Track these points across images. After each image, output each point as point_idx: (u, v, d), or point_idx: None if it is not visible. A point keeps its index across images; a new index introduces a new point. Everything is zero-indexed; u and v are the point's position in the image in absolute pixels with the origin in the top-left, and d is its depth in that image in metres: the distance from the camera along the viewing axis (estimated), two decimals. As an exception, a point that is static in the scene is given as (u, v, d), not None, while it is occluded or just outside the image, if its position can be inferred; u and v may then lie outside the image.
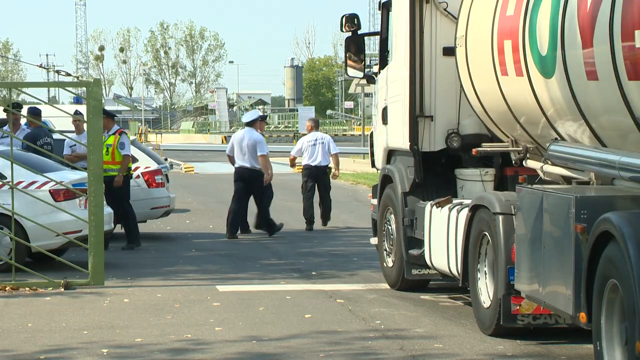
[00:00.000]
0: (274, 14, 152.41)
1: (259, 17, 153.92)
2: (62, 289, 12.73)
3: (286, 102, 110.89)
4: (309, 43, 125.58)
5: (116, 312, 11.43)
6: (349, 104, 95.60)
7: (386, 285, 13.03)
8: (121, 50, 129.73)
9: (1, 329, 10.51)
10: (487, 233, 10.63)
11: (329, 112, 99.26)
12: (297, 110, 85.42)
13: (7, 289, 12.66)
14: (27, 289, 12.74)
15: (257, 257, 15.99)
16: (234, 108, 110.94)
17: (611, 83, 7.99)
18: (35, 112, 16.90)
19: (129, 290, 12.90)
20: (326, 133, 27.88)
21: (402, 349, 9.44)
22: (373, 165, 14.74)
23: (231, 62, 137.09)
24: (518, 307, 10.05)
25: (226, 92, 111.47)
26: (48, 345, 9.70)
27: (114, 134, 16.73)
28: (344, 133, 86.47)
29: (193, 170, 42.54)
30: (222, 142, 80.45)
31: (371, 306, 11.61)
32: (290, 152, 24.50)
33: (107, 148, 16.29)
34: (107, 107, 21.05)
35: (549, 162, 10.06)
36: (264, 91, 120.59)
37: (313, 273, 14.19)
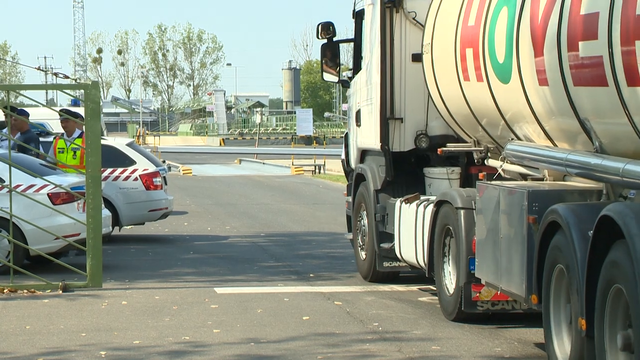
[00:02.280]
0: (272, 17, 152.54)
1: (257, 20, 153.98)
2: (60, 292, 12.74)
3: (284, 104, 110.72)
4: (307, 45, 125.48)
5: (114, 315, 11.40)
6: (346, 106, 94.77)
7: (385, 287, 13.12)
8: (119, 52, 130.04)
9: (0, 330, 10.50)
10: (450, 226, 11.09)
11: (326, 114, 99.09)
12: (294, 113, 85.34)
13: (5, 291, 12.65)
14: (26, 291, 12.72)
15: (254, 259, 16.07)
16: (232, 110, 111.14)
17: (559, 88, 8.46)
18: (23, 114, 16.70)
19: (127, 292, 12.85)
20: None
21: (400, 351, 9.47)
22: (347, 164, 15.12)
23: (229, 64, 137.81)
24: (478, 294, 10.60)
25: (224, 94, 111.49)
26: (46, 348, 9.67)
27: (79, 136, 16.41)
28: (342, 135, 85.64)
29: (191, 173, 42.92)
30: (220, 144, 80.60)
31: (369, 308, 11.67)
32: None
33: (75, 152, 16.26)
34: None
35: (508, 161, 10.43)
36: (262, 93, 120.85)
37: (311, 275, 14.26)
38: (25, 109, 20.26)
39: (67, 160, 16.13)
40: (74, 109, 19.74)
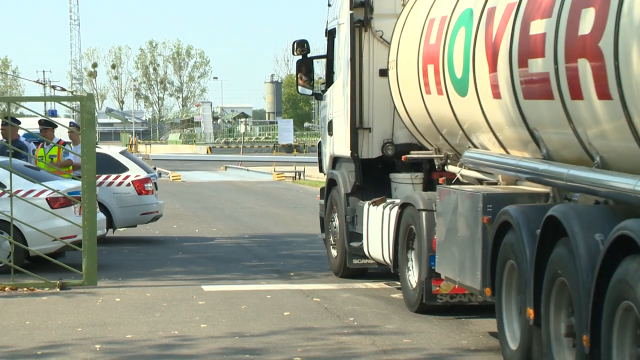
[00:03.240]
0: (257, 33, 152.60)
1: (242, 36, 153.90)
2: (58, 289, 12.69)
3: (266, 115, 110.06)
4: (288, 60, 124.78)
5: (108, 311, 11.36)
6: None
7: (360, 284, 13.11)
8: (113, 67, 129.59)
9: (1, 326, 10.48)
10: (413, 227, 11.16)
11: (306, 124, 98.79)
12: (276, 123, 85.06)
13: (6, 289, 12.63)
14: (25, 289, 12.70)
15: (239, 259, 16.01)
16: (218, 121, 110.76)
17: (511, 101, 8.63)
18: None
19: (120, 290, 12.82)
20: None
21: (374, 344, 9.47)
22: (321, 170, 15.22)
23: (215, 78, 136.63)
24: (438, 288, 10.73)
25: (211, 105, 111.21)
26: (45, 342, 9.63)
27: (56, 144, 16.50)
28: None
29: (180, 179, 42.44)
30: (207, 152, 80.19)
31: (345, 304, 11.64)
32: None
33: (52, 159, 16.24)
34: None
35: (465, 167, 10.50)
36: (246, 105, 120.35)
37: (291, 274, 14.25)
38: (23, 119, 20.17)
39: (45, 166, 15.99)
40: (52, 119, 19.67)
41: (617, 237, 6.41)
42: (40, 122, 17.25)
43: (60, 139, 17.17)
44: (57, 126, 17.15)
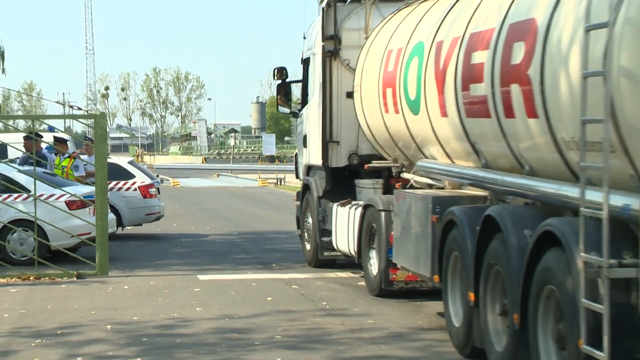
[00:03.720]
0: (245, 60, 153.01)
1: (232, 63, 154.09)
2: (75, 278, 12.70)
3: (253, 130, 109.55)
4: (271, 84, 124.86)
5: (118, 297, 11.35)
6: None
7: (331, 274, 13.03)
8: (122, 89, 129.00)
9: (27, 310, 10.51)
10: (374, 224, 11.20)
11: (286, 138, 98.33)
12: (261, 137, 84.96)
13: (31, 278, 12.66)
14: (47, 278, 12.70)
15: (229, 252, 15.92)
16: (212, 135, 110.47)
17: (456, 119, 8.68)
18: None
19: (128, 279, 12.75)
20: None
21: (343, 324, 9.46)
22: (297, 176, 15.14)
23: (209, 99, 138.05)
24: (394, 276, 10.77)
25: (205, 122, 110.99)
26: (63, 323, 9.64)
27: (68, 157, 16.40)
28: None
29: (179, 184, 42.10)
30: (202, 162, 79.91)
31: (319, 291, 11.60)
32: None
33: (62, 169, 16.08)
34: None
35: (418, 174, 10.50)
36: (236, 122, 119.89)
37: (273, 265, 14.16)
38: (42, 133, 19.96)
39: (61, 173, 15.95)
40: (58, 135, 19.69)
41: (542, 233, 6.52)
42: (54, 137, 17.24)
43: (74, 152, 17.07)
44: (69, 140, 17.15)
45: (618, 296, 5.65)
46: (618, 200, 5.80)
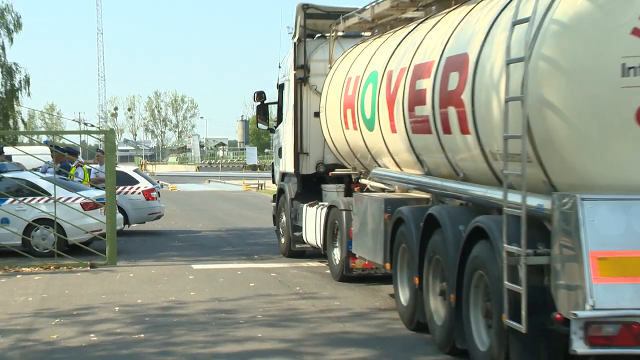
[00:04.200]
0: (231, 84, 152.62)
1: (221, 86, 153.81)
2: (89, 268, 12.65)
3: (238, 143, 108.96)
4: (252, 105, 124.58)
5: (124, 283, 11.33)
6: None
7: (304, 264, 12.97)
8: (129, 109, 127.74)
9: (48, 294, 10.47)
10: (337, 221, 11.26)
11: (266, 150, 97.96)
12: (245, 149, 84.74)
13: (51, 267, 12.60)
14: (65, 267, 12.63)
15: (218, 246, 15.84)
16: (203, 148, 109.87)
17: (404, 135, 8.72)
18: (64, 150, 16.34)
19: (133, 268, 12.73)
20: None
21: (314, 305, 9.47)
22: (274, 182, 15.06)
23: (201, 117, 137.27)
24: (354, 264, 10.82)
25: (198, 137, 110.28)
26: (79, 305, 9.67)
27: (75, 166, 16.33)
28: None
29: (176, 189, 41.66)
30: (196, 170, 79.23)
31: (293, 278, 11.57)
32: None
33: (70, 176, 15.96)
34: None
35: (373, 180, 10.54)
36: (224, 137, 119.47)
37: (255, 256, 14.08)
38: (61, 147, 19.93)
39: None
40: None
41: (473, 228, 6.57)
42: (67, 149, 17.06)
43: (79, 161, 16.88)
44: (79, 152, 17.12)
45: (533, 279, 5.72)
46: (533, 201, 5.86)
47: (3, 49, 44.34)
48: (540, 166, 5.89)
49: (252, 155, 56.79)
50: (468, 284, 6.71)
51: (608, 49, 5.51)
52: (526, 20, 5.81)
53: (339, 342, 7.65)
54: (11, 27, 44.53)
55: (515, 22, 5.96)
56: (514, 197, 5.96)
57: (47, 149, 17.15)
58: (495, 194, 6.55)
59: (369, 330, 8.19)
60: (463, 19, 7.68)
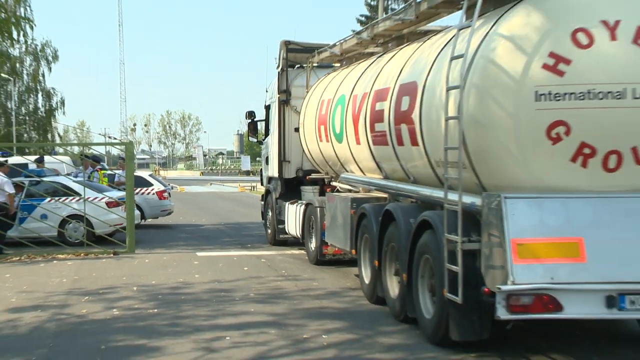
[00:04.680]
0: (230, 105, 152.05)
1: (222, 106, 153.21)
2: (112, 255, 12.56)
3: (235, 153, 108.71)
4: (246, 121, 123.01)
5: (141, 267, 11.26)
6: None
7: (289, 251, 12.77)
8: (145, 125, 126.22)
9: (78, 276, 10.38)
10: (312, 216, 11.20)
11: (258, 158, 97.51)
12: (240, 158, 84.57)
13: (81, 255, 12.54)
14: (93, 255, 12.57)
15: (218, 237, 15.72)
16: (206, 156, 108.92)
17: (367, 146, 8.69)
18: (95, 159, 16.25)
19: (148, 255, 12.68)
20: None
21: (296, 286, 9.40)
22: (262, 184, 14.91)
23: (205, 132, 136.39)
24: (326, 251, 10.80)
25: (202, 148, 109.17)
26: (104, 285, 9.60)
27: (93, 170, 15.89)
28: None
29: (184, 190, 41.16)
30: (200, 175, 78.44)
31: (280, 263, 11.44)
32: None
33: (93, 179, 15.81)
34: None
35: (341, 182, 10.46)
36: (223, 147, 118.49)
37: (249, 245, 13.92)
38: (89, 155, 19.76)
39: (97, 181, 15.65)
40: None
41: (421, 221, 6.60)
42: (93, 156, 16.78)
43: (98, 167, 16.42)
44: (101, 160, 17.16)
45: (467, 261, 5.78)
46: (468, 199, 5.91)
47: (43, 76, 44.47)
48: (473, 171, 5.95)
49: (246, 163, 56.57)
50: (417, 265, 6.74)
51: (524, 79, 5.60)
52: (461, 56, 5.89)
53: (317, 315, 7.60)
54: (50, 58, 44.72)
55: (453, 58, 6.03)
56: (453, 196, 5.99)
57: (52, 159, 16.94)
58: (438, 193, 6.55)
59: (341, 306, 8.14)
60: (413, 54, 7.72)
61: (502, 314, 5.33)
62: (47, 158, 17.16)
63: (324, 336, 6.66)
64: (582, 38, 5.56)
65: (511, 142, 5.63)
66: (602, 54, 5.53)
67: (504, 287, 5.29)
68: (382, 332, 6.80)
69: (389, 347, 6.33)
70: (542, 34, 5.60)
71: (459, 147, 5.83)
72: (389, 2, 43.04)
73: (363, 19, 44.83)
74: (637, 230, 5.43)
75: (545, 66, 5.57)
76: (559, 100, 5.52)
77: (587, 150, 5.58)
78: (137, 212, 15.08)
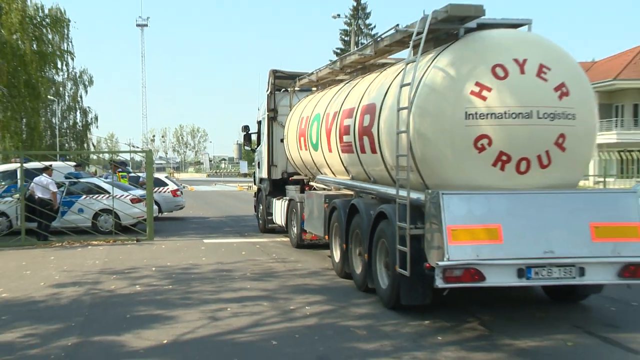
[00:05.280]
0: (231, 119, 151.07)
1: (224, 120, 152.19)
2: (135, 242, 12.41)
3: (235, 159, 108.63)
4: (242, 133, 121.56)
5: (159, 252, 11.12)
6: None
7: (279, 238, 12.57)
8: (162, 136, 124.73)
9: (108, 259, 10.25)
10: (294, 209, 11.05)
11: (253, 163, 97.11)
12: (239, 163, 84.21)
13: (110, 241, 12.38)
14: (120, 241, 12.42)
15: (221, 227, 15.44)
16: (212, 161, 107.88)
17: (337, 153, 8.63)
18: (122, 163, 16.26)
19: (164, 241, 12.52)
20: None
21: (285, 266, 9.24)
22: (254, 184, 14.69)
23: (211, 142, 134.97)
24: (305, 237, 10.69)
25: (208, 155, 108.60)
26: (129, 266, 9.46)
27: (117, 171, 16.09)
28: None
29: (193, 189, 40.18)
30: (206, 177, 77.73)
31: (272, 249, 11.23)
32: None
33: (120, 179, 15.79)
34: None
35: (317, 182, 10.36)
36: (225, 154, 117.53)
37: (246, 234, 13.68)
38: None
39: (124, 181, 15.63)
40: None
41: (379, 212, 6.62)
42: (120, 161, 16.77)
43: (119, 170, 16.37)
44: (127, 164, 17.13)
45: (414, 243, 5.83)
46: (414, 195, 5.98)
47: (81, 97, 45.06)
48: (418, 174, 6.02)
49: (243, 167, 56.36)
50: (375, 247, 6.78)
51: (456, 102, 5.77)
52: (409, 84, 6.01)
53: (301, 290, 7.49)
54: (86, 83, 45.36)
55: (402, 85, 6.13)
56: (403, 193, 6.03)
57: (61, 164, 16.61)
58: (392, 191, 6.56)
59: (321, 283, 8.02)
60: (372, 81, 7.75)
61: (439, 283, 5.42)
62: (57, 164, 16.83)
63: (307, 307, 6.63)
64: (500, 71, 5.76)
65: (447, 151, 5.76)
66: (514, 84, 5.73)
67: (441, 263, 5.38)
68: (354, 304, 6.78)
69: (360, 315, 6.30)
70: (469, 68, 5.82)
71: (407, 155, 5.91)
72: (359, 38, 43.50)
73: (338, 51, 45.05)
74: (540, 219, 5.55)
75: (472, 92, 5.75)
76: (483, 119, 5.71)
77: (504, 157, 5.76)
78: (155, 207, 15.16)
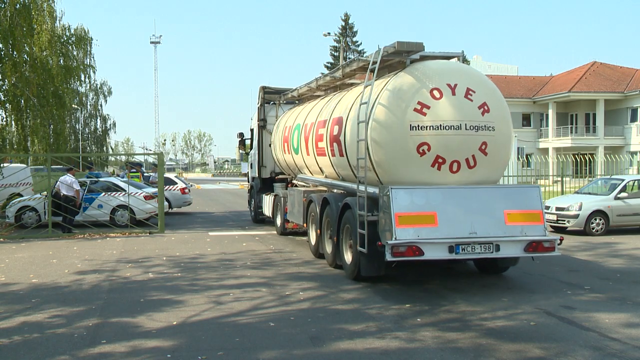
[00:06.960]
0: (231, 127, 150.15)
1: (226, 127, 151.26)
2: (148, 234, 12.20)
3: (236, 160, 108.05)
4: (237, 139, 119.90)
5: (169, 243, 10.88)
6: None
7: (274, 231, 12.11)
8: (172, 140, 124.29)
9: (124, 249, 10.09)
10: (279, 203, 11.11)
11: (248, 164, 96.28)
12: (240, 164, 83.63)
13: (126, 234, 12.21)
14: (134, 234, 12.20)
15: (224, 221, 15.03)
16: (216, 163, 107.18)
17: (313, 157, 8.76)
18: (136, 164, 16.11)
19: (174, 234, 12.24)
20: None
21: (281, 256, 9.07)
22: (248, 182, 14.56)
23: (215, 145, 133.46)
24: (287, 225, 10.71)
25: (213, 156, 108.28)
26: (142, 256, 9.29)
27: (130, 172, 15.87)
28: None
29: (200, 187, 39.09)
30: (211, 176, 76.71)
31: (269, 240, 10.91)
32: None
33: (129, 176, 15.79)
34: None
35: (298, 180, 10.37)
36: (228, 156, 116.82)
37: (246, 227, 13.27)
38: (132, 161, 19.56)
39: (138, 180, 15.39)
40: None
41: (344, 203, 7.08)
42: (134, 162, 16.61)
43: (129, 172, 16.11)
44: (141, 165, 17.02)
45: (370, 228, 6.29)
46: (371, 189, 6.43)
47: (101, 106, 45.97)
48: (375, 173, 6.47)
49: (244, 168, 56.21)
50: (342, 231, 7.20)
51: (402, 116, 6.35)
52: (366, 102, 6.57)
53: (296, 278, 7.37)
54: (106, 93, 46.31)
55: (362, 103, 6.71)
56: (363, 188, 6.47)
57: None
58: (355, 186, 6.91)
59: (314, 271, 7.86)
60: (341, 99, 8.19)
61: (389, 257, 5.88)
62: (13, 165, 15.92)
63: (301, 293, 6.56)
64: (436, 93, 6.38)
65: (396, 155, 6.26)
66: (447, 103, 6.35)
67: (390, 242, 5.85)
68: (343, 290, 6.70)
69: (348, 300, 6.26)
70: (413, 90, 6.43)
71: (365, 158, 6.40)
72: (347, 54, 44.24)
73: (329, 65, 45.61)
74: (467, 208, 6.11)
75: (415, 109, 6.34)
76: (423, 130, 6.26)
77: (440, 160, 6.29)
78: (165, 203, 15.01)
